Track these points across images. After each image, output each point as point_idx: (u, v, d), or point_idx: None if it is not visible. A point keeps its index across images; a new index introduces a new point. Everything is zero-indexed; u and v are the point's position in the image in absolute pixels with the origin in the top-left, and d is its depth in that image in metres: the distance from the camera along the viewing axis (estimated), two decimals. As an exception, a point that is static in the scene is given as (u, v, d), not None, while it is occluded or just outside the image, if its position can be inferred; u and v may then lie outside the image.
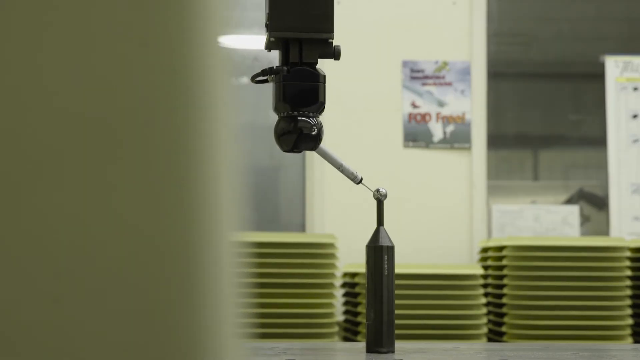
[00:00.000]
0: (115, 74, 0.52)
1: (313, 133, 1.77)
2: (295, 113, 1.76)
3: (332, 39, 1.77)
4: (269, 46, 1.79)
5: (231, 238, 0.54)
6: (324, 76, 1.78)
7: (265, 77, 1.78)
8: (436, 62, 4.99)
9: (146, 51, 0.52)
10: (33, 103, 0.51)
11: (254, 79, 1.79)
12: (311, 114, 1.77)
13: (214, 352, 0.52)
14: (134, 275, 0.51)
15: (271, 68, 1.77)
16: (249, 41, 5.03)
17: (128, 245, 0.51)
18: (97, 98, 0.51)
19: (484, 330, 4.17)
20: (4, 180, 0.51)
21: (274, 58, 1.85)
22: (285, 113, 1.77)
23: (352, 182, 1.94)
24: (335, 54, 1.78)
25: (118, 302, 0.51)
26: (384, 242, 1.87)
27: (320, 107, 1.78)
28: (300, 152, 1.81)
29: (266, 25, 1.76)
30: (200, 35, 0.53)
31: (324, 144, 1.84)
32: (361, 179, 1.92)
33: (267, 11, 1.76)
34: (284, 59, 1.77)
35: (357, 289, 4.22)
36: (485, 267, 4.42)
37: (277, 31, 1.75)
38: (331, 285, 4.14)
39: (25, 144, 0.51)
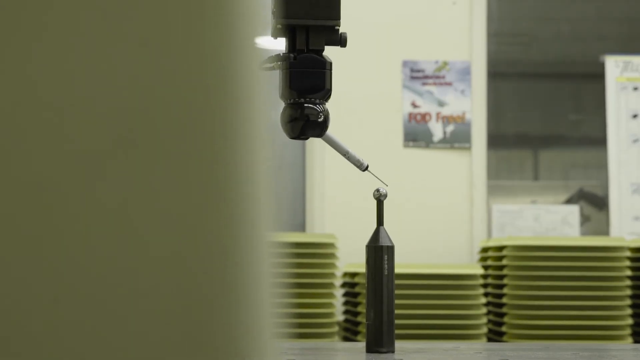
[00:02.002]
0: (159, 72, 0.52)
1: (320, 120, 1.77)
2: (302, 100, 1.76)
3: (339, 26, 1.77)
4: (275, 33, 1.79)
5: (268, 238, 0.54)
6: (331, 63, 1.79)
7: (271, 65, 1.78)
8: (436, 62, 4.99)
9: (185, 51, 0.52)
10: (60, 102, 0.51)
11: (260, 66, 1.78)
12: (317, 101, 1.77)
13: (251, 352, 0.52)
14: (171, 275, 0.51)
15: (278, 55, 1.76)
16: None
17: (164, 246, 0.51)
18: (136, 98, 0.52)
19: (484, 330, 4.17)
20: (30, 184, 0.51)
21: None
22: (291, 100, 1.77)
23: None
24: (341, 41, 1.78)
25: (156, 301, 0.51)
26: (384, 242, 1.87)
27: (326, 94, 1.78)
28: (306, 138, 1.81)
29: (272, 13, 1.76)
30: (238, 34, 0.53)
31: (330, 131, 1.84)
32: (367, 166, 1.92)
33: None
34: (291, 46, 1.77)
35: (357, 289, 4.22)
36: (485, 267, 4.42)
37: (284, 18, 1.75)
38: (331, 285, 4.14)
39: (62, 146, 0.51)
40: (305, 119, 1.76)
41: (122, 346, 0.51)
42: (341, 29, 1.78)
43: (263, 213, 0.54)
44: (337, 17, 1.76)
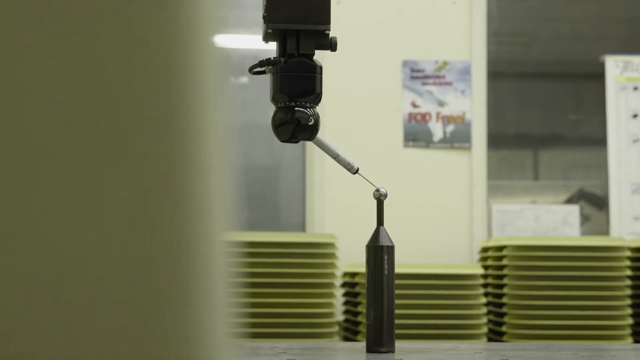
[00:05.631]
0: (107, 73, 0.52)
1: (310, 123, 1.79)
2: (293, 104, 1.78)
3: (329, 31, 1.79)
4: (267, 38, 1.82)
5: (222, 237, 0.54)
6: (321, 67, 1.81)
7: (262, 69, 1.80)
8: (436, 62, 4.99)
9: (140, 51, 0.52)
10: (25, 102, 0.51)
11: (251, 70, 1.81)
12: (308, 105, 1.79)
13: (205, 351, 0.52)
14: (126, 274, 0.51)
15: (269, 59, 1.79)
16: (249, 41, 5.03)
17: (119, 245, 0.51)
18: (89, 97, 0.51)
19: (484, 330, 4.17)
20: None
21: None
22: (282, 104, 1.79)
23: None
24: (331, 45, 1.80)
25: (110, 301, 0.51)
26: (384, 241, 1.87)
27: (317, 97, 1.80)
28: (297, 142, 1.83)
29: (264, 17, 1.78)
30: (194, 35, 0.53)
31: (321, 135, 1.86)
32: (357, 169, 1.93)
33: (265, 3, 1.78)
34: (282, 50, 1.79)
35: (357, 289, 4.22)
36: (485, 267, 4.42)
37: (275, 23, 1.77)
38: (331, 285, 4.14)
39: (22, 145, 0.51)
40: (296, 122, 1.78)
41: (72, 344, 0.51)
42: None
43: (218, 213, 0.54)
44: (327, 21, 1.78)
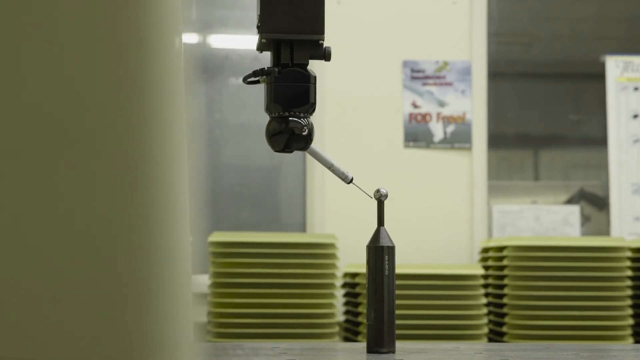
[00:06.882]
0: (67, 73, 0.51)
1: (304, 133, 1.79)
2: (287, 114, 1.78)
3: (323, 41, 1.79)
4: (261, 47, 1.82)
5: (186, 239, 0.54)
6: (315, 77, 1.81)
7: (257, 78, 1.80)
8: (436, 62, 4.99)
9: (103, 50, 0.52)
10: None
11: (245, 79, 1.81)
12: (302, 115, 1.79)
13: (166, 354, 0.52)
14: (85, 277, 0.51)
15: (262, 69, 1.79)
16: (248, 41, 5.03)
17: (79, 247, 0.51)
18: (53, 97, 0.51)
19: (485, 330, 4.17)
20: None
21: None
22: (276, 113, 1.79)
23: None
24: (325, 55, 1.80)
25: (69, 303, 0.51)
26: (384, 242, 1.87)
27: (310, 107, 1.80)
28: (291, 152, 1.83)
29: (258, 27, 1.79)
30: (157, 34, 0.53)
31: (315, 144, 1.86)
32: (352, 179, 1.93)
33: (259, 13, 1.78)
34: (275, 60, 1.80)
35: (357, 289, 4.22)
36: (486, 267, 4.42)
37: (269, 33, 1.78)
38: (332, 286, 4.14)
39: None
40: (290, 132, 1.79)
41: (32, 346, 0.51)
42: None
43: (182, 213, 0.54)
44: (321, 31, 1.79)
